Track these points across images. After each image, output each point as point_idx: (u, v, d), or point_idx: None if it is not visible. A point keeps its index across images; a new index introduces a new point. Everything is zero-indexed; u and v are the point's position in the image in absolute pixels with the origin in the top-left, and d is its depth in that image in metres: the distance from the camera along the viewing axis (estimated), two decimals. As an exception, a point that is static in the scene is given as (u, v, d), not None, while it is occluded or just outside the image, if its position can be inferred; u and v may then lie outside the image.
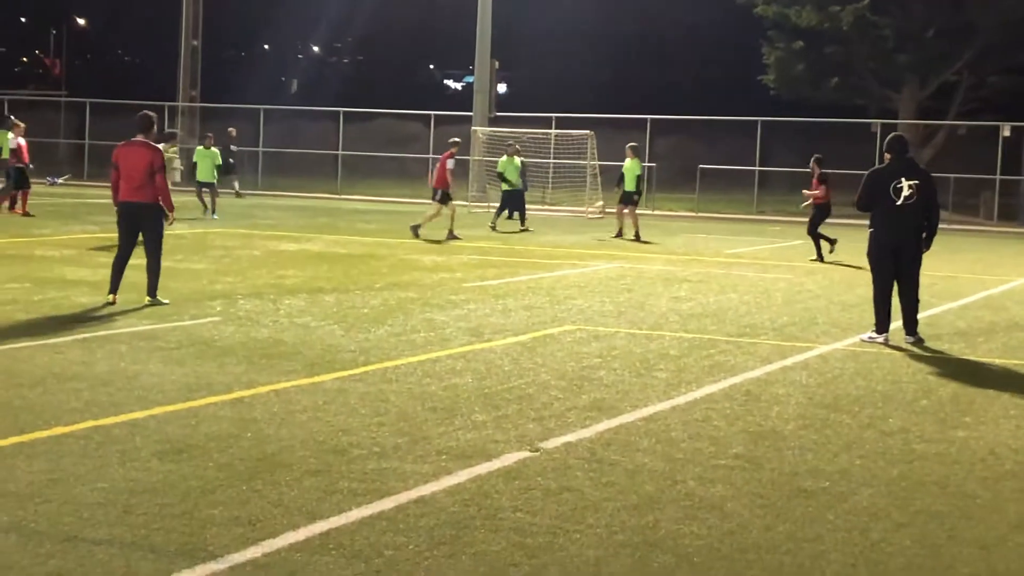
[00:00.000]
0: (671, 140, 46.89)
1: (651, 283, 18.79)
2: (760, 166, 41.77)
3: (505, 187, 30.30)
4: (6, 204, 27.66)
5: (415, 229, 26.24)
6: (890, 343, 13.51)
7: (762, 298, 17.37)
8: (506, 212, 30.52)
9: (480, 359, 11.64)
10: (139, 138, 14.68)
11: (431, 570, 5.96)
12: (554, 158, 40.27)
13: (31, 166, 28.42)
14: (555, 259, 22.36)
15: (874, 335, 13.73)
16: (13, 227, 24.40)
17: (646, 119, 43.05)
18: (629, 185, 28.31)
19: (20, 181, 27.71)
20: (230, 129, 40.39)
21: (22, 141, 27.98)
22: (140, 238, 14.78)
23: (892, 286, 13.79)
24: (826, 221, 25.08)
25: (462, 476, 7.57)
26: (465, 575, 5.93)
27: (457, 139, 27.11)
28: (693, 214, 40.40)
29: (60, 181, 42.83)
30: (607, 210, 33.08)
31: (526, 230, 29.32)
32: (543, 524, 6.71)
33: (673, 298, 16.97)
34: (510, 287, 17.50)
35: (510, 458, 8.04)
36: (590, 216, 36.63)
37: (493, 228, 29.20)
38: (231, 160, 39.52)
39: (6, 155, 27.65)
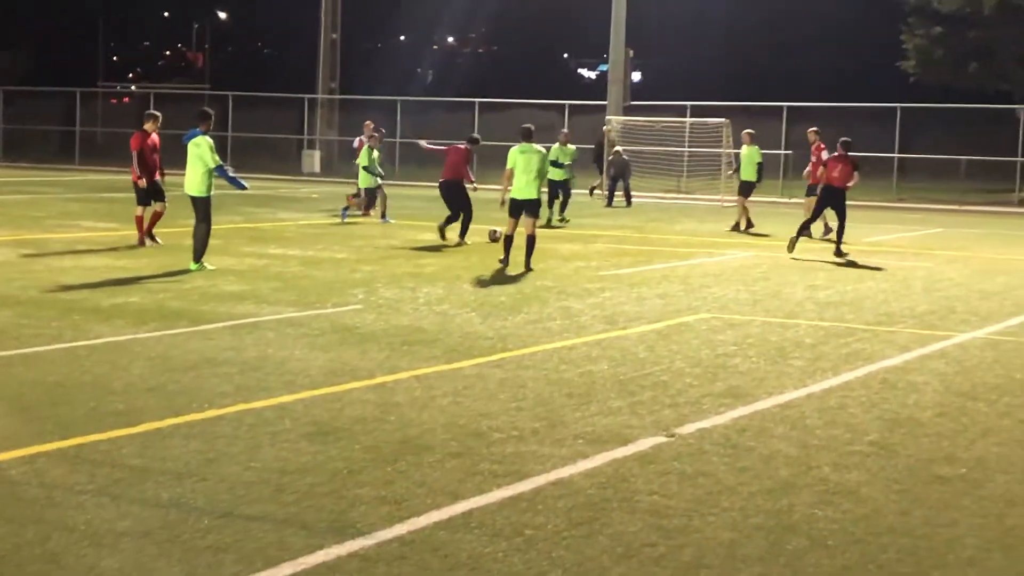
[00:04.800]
0: (808, 128, 46.32)
1: (787, 271, 18.74)
2: (899, 153, 41.14)
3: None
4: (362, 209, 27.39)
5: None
6: None
7: (900, 286, 17.23)
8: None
9: (615, 346, 11.80)
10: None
11: (570, 548, 6.16)
12: (689, 146, 40.16)
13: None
14: (690, 247, 22.39)
15: None
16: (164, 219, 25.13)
17: (782, 106, 42.65)
18: (747, 174, 26.93)
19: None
20: (606, 128, 39.22)
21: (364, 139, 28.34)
22: None
23: None
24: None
25: (599, 460, 7.75)
26: (603, 554, 6.10)
27: (815, 128, 25.48)
28: (830, 202, 39.95)
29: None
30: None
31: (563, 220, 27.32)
32: (679, 507, 6.86)
33: (809, 286, 16.92)
34: (645, 275, 17.61)
35: (646, 443, 8.20)
36: (725, 204, 36.49)
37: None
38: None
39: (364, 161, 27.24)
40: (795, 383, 10.33)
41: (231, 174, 17.31)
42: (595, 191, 37.61)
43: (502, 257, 18.30)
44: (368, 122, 30.77)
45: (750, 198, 27.31)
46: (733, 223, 26.93)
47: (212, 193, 17.13)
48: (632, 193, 35.56)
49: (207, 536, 6.17)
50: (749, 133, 27.85)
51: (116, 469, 7.27)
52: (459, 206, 21.85)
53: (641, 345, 11.92)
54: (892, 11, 48.50)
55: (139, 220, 19.82)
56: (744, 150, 27.49)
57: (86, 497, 6.73)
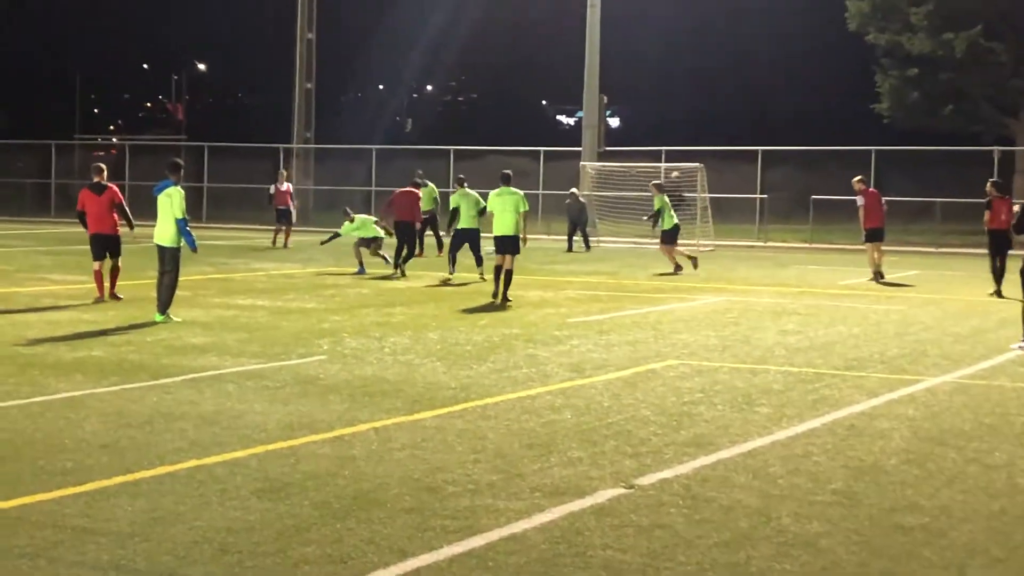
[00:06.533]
0: (783, 171, 46.48)
1: (759, 316, 18.63)
2: (875, 196, 41.12)
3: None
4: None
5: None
6: None
7: (872, 330, 17.13)
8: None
9: (580, 395, 11.65)
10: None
11: (517, 608, 5.99)
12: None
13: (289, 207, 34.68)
14: (662, 293, 22.29)
15: (1023, 343, 15.29)
16: (132, 269, 24.99)
17: (757, 150, 42.75)
18: (666, 223, 27.44)
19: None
20: (675, 174, 38.43)
21: (282, 187, 34.56)
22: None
23: None
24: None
25: (555, 513, 7.59)
26: (551, 613, 5.94)
27: (860, 177, 26.40)
28: (807, 245, 40.05)
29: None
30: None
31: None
32: (633, 562, 6.70)
33: (780, 331, 16.81)
34: (615, 322, 17.49)
35: (604, 495, 8.04)
36: (702, 249, 36.46)
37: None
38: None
39: (428, 205, 30.53)
40: (760, 431, 10.19)
41: (191, 233, 17.05)
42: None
43: (493, 290, 19.88)
44: (283, 170, 33.99)
45: (677, 243, 27.85)
46: (676, 267, 27.27)
47: (183, 244, 17.01)
48: (593, 239, 35.55)
49: (144, 600, 5.99)
50: (656, 184, 28.69)
51: (58, 530, 7.08)
52: (406, 242, 25.03)
53: (606, 393, 11.77)
54: (865, 53, 48.74)
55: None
56: (655, 201, 27.94)
57: (23, 561, 6.54)
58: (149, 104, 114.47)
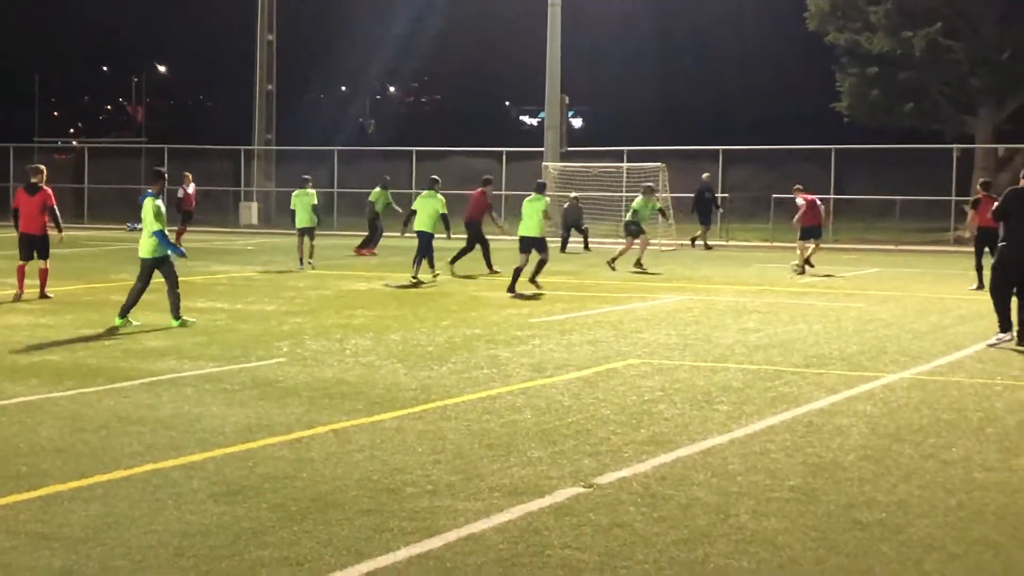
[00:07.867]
0: (744, 170, 46.64)
1: (720, 315, 18.67)
2: (835, 194, 41.43)
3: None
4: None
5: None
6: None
7: (832, 327, 17.20)
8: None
9: (541, 395, 11.64)
10: None
11: (474, 608, 5.97)
12: (626, 191, 40.20)
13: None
14: (624, 292, 22.30)
15: (1001, 336, 15.29)
16: (92, 273, 24.85)
17: (718, 150, 42.89)
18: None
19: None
20: (706, 176, 38.61)
21: (188, 189, 34.88)
22: None
23: (1011, 294, 15.37)
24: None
25: (513, 513, 7.57)
26: (509, 613, 5.92)
27: (799, 186, 28.94)
28: (768, 244, 40.18)
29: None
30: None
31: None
32: (591, 560, 6.69)
33: (741, 329, 16.85)
34: (576, 322, 17.49)
35: (563, 494, 8.03)
36: (664, 249, 36.51)
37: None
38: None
39: (380, 209, 33.42)
40: (719, 428, 10.21)
41: (172, 241, 16.82)
42: (696, 241, 37.52)
43: (510, 285, 21.85)
44: (187, 172, 36.05)
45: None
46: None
47: (159, 255, 16.73)
48: (572, 240, 35.59)
49: (97, 605, 5.94)
50: (649, 186, 29.53)
51: (11, 536, 7.01)
52: (478, 241, 26.59)
53: (567, 393, 11.77)
54: (825, 52, 48.93)
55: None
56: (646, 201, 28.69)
57: (-25, 567, 6.48)
58: (109, 107, 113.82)
